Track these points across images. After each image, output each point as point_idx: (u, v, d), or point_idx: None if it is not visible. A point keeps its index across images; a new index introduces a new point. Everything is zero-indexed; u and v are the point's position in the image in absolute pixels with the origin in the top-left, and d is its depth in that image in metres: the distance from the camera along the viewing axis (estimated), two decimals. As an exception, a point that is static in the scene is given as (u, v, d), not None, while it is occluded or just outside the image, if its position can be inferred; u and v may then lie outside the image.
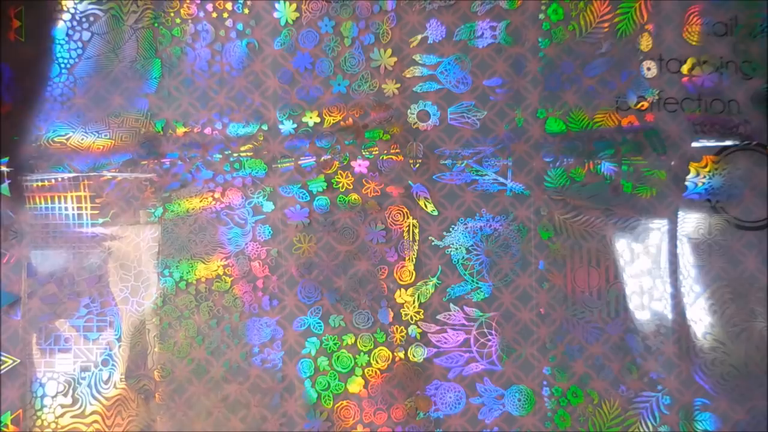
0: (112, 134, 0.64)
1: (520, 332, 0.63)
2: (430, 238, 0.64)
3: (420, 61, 0.64)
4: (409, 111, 0.64)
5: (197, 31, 0.64)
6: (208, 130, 0.64)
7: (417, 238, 0.64)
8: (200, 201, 0.63)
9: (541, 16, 0.63)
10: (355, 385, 0.63)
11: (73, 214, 0.63)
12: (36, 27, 0.64)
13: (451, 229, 0.64)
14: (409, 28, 0.64)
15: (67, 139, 0.64)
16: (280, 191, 0.63)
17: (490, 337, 0.63)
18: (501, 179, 0.63)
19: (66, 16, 0.64)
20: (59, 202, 0.63)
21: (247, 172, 0.63)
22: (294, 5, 0.64)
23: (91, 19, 0.64)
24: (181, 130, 0.64)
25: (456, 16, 0.64)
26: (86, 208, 0.63)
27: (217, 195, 0.63)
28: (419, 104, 0.64)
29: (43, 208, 0.63)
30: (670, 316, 0.62)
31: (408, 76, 0.64)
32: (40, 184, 0.63)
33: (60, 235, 0.63)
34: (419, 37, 0.64)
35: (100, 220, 0.63)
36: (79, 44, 0.64)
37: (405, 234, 0.64)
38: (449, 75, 0.64)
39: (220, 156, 0.63)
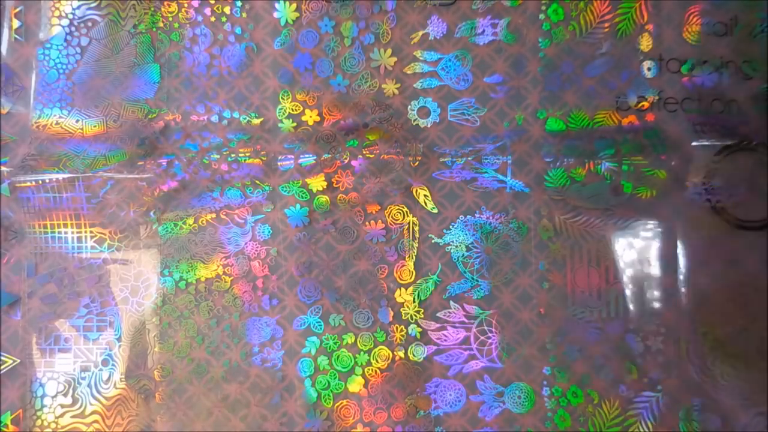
0: (109, 134, 0.64)
1: (520, 332, 0.63)
2: (430, 236, 0.64)
3: (421, 58, 0.64)
4: (409, 107, 0.64)
5: (195, 35, 0.64)
6: (206, 133, 0.64)
7: (417, 236, 0.64)
8: (201, 213, 0.64)
9: (542, 16, 0.63)
10: (355, 385, 0.63)
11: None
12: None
13: (451, 227, 0.64)
14: (409, 28, 0.64)
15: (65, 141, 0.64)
16: (279, 190, 0.63)
17: (490, 334, 0.63)
18: (501, 176, 0.63)
19: (64, 22, 0.64)
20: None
21: (245, 172, 0.63)
22: (294, 5, 0.64)
23: (90, 24, 0.64)
24: (179, 130, 0.64)
25: (456, 15, 0.64)
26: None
27: (215, 194, 0.63)
28: (419, 100, 0.64)
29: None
30: (670, 316, 0.62)
31: (409, 72, 0.64)
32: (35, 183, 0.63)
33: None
34: (420, 33, 0.64)
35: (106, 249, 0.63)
36: (78, 49, 0.64)
37: (405, 233, 0.64)
38: (450, 72, 0.64)
39: (218, 156, 0.63)
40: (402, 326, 0.63)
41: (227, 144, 0.63)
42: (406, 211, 0.64)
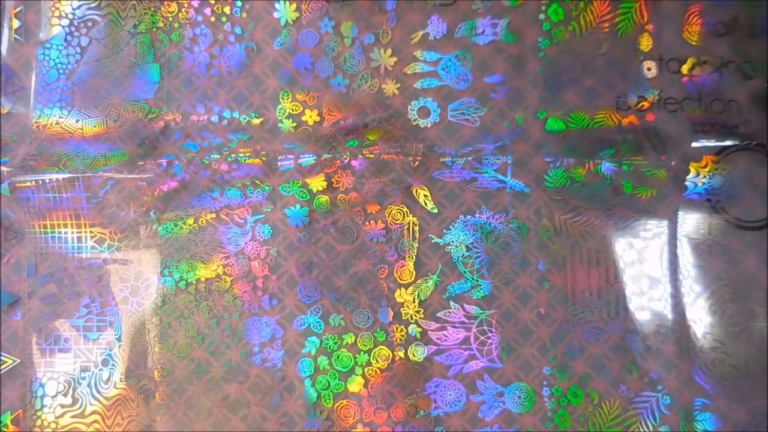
0: (109, 134, 0.64)
1: (520, 332, 0.63)
2: (430, 236, 0.64)
3: (421, 58, 0.64)
4: (409, 108, 0.64)
5: (195, 35, 0.64)
6: (206, 133, 0.64)
7: (417, 236, 0.64)
8: (201, 213, 0.64)
9: (541, 16, 0.63)
10: (355, 385, 0.63)
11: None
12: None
13: (451, 227, 0.64)
14: (409, 28, 0.64)
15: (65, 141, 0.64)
16: (279, 190, 0.63)
17: (490, 334, 0.63)
18: (501, 176, 0.63)
19: (64, 22, 0.64)
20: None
21: (245, 172, 0.63)
22: (294, 5, 0.64)
23: (90, 24, 0.64)
24: (179, 130, 0.64)
25: (456, 15, 0.64)
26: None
27: (215, 194, 0.63)
28: (419, 100, 0.64)
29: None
30: (670, 316, 0.62)
31: (408, 72, 0.64)
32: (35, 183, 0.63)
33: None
34: (420, 33, 0.64)
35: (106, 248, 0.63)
36: (78, 49, 0.64)
37: (405, 232, 0.64)
38: (450, 72, 0.64)
39: (218, 156, 0.63)
40: (402, 326, 0.63)
41: (227, 144, 0.63)
42: (406, 211, 0.64)
